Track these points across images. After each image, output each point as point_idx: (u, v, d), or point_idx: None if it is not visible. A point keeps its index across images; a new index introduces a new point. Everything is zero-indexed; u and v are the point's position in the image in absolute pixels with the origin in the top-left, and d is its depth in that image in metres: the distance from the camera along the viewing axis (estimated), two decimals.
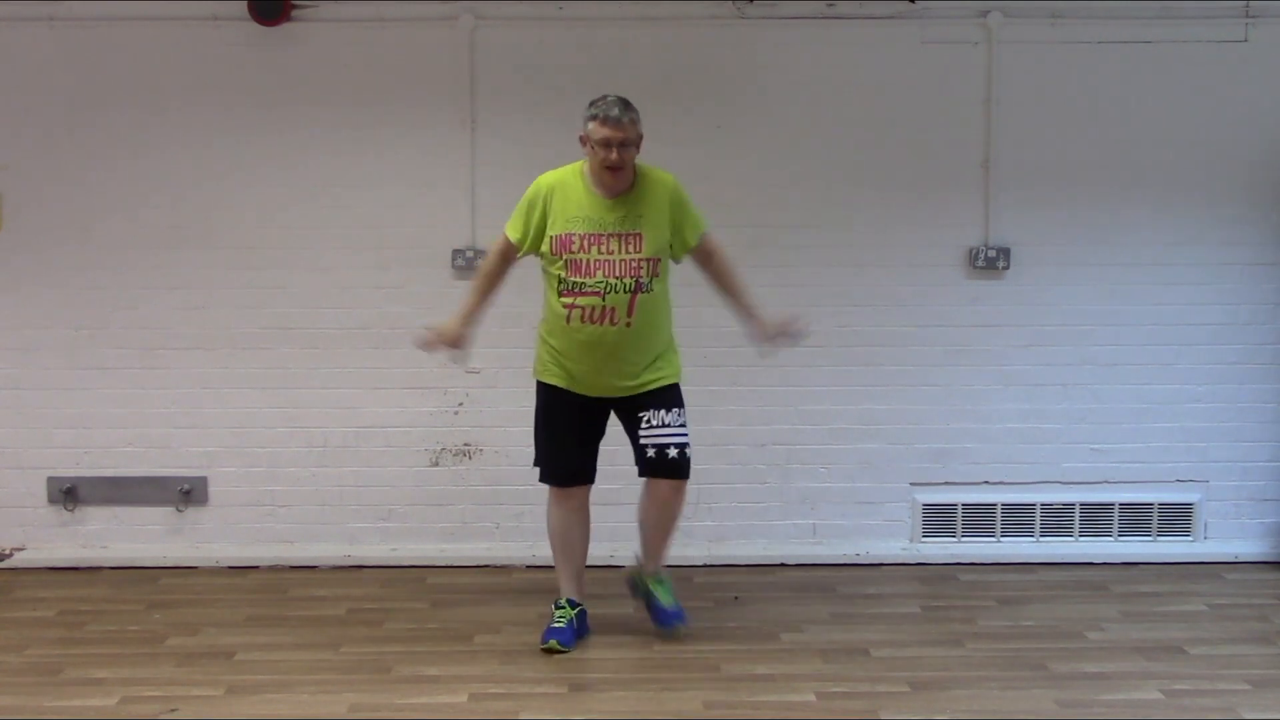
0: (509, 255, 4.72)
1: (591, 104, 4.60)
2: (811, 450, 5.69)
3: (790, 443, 5.68)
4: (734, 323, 5.55)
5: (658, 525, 4.77)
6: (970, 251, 5.62)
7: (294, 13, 5.49)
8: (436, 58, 5.53)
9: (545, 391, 4.77)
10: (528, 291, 5.56)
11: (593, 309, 4.55)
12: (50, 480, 5.62)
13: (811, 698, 4.20)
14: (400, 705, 4.15)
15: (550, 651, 4.62)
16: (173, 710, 4.11)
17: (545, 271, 4.69)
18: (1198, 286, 5.65)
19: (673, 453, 4.64)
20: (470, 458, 5.67)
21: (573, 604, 4.80)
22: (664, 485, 4.68)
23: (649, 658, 4.57)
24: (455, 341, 4.78)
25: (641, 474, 4.73)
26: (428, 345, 4.82)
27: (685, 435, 4.68)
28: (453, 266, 5.58)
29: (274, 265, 5.58)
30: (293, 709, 4.12)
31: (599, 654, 4.63)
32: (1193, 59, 5.57)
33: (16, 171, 5.53)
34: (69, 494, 5.62)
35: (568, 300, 4.58)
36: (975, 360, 5.66)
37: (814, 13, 5.54)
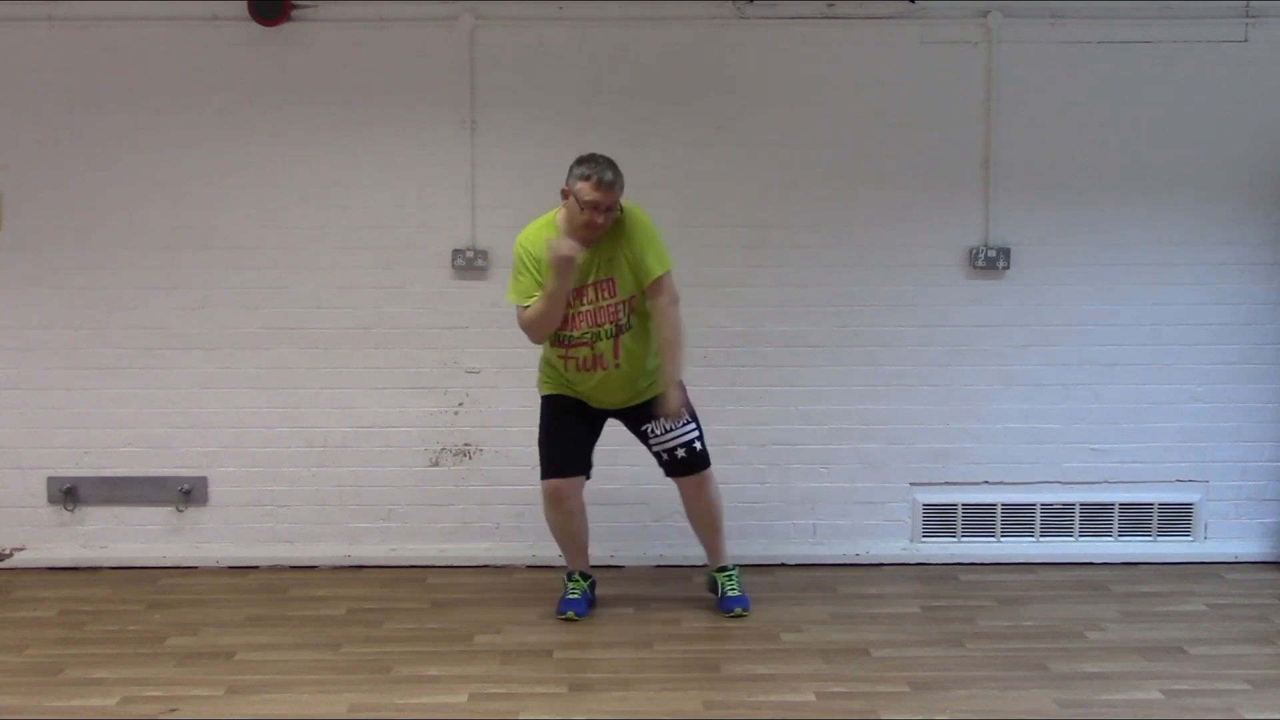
0: None
1: (581, 162, 4.61)
2: (811, 450, 5.68)
3: (790, 443, 5.67)
4: (734, 323, 5.59)
5: (699, 520, 5.05)
6: (970, 251, 5.61)
7: (294, 13, 5.49)
8: (436, 58, 5.53)
9: (547, 398, 4.91)
10: None
11: (583, 358, 4.74)
12: (50, 480, 5.62)
13: (811, 698, 4.20)
14: (400, 705, 4.15)
15: (569, 620, 4.88)
16: (173, 710, 4.11)
17: None
18: (1197, 286, 5.64)
19: (681, 453, 4.85)
20: (470, 458, 5.66)
21: (584, 576, 5.04)
22: (685, 482, 4.93)
23: (649, 658, 4.57)
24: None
25: (666, 476, 4.96)
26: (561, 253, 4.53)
27: (691, 432, 4.86)
28: (453, 266, 5.58)
29: (274, 265, 5.58)
30: (293, 709, 4.12)
31: (599, 654, 4.63)
32: (1193, 59, 5.56)
33: (16, 171, 5.52)
34: (69, 494, 5.61)
35: (560, 351, 4.76)
36: (975, 360, 5.65)
37: (814, 13, 5.54)
